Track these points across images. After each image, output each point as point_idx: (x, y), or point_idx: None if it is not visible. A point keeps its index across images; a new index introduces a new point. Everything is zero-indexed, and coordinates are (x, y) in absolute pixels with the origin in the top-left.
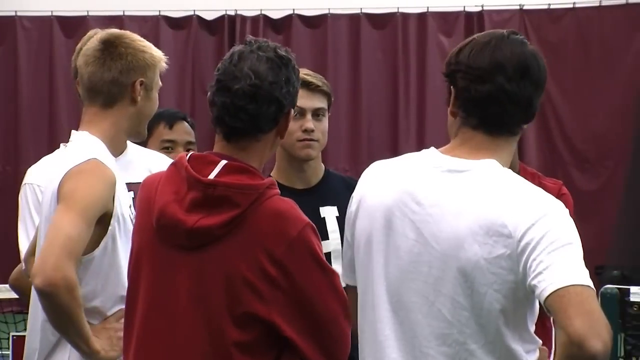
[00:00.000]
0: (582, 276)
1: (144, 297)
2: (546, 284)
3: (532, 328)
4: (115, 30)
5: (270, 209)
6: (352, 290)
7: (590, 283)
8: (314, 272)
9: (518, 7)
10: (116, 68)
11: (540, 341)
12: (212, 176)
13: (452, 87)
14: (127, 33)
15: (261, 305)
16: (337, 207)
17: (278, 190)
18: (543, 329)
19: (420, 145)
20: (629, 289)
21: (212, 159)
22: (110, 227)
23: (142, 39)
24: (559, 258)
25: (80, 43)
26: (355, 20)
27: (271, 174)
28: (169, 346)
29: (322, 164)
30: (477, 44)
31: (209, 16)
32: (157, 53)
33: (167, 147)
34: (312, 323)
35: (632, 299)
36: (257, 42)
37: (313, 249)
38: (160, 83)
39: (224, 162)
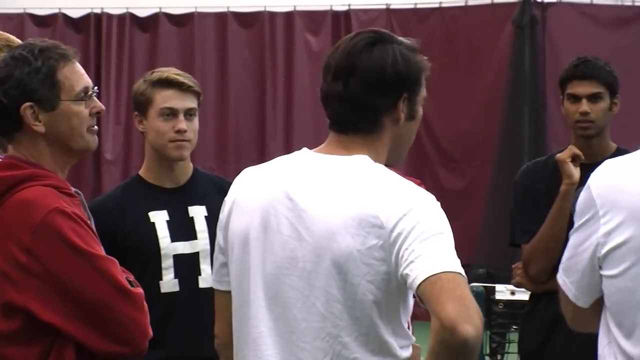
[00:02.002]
0: (453, 264)
1: None
2: (418, 272)
3: (406, 324)
4: None
5: (19, 199)
6: (221, 294)
7: (462, 270)
8: (67, 256)
9: (385, 7)
10: None
11: (414, 338)
12: None
13: None
14: None
15: (17, 294)
16: (206, 207)
17: (46, 181)
18: None
19: (287, 143)
20: (494, 287)
21: None
22: None
23: None
24: (430, 247)
25: None
26: (222, 18)
27: (139, 173)
28: None
29: (190, 163)
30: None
31: (75, 14)
32: None
33: None
34: (80, 307)
35: (498, 297)
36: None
37: (62, 233)
38: None
39: None
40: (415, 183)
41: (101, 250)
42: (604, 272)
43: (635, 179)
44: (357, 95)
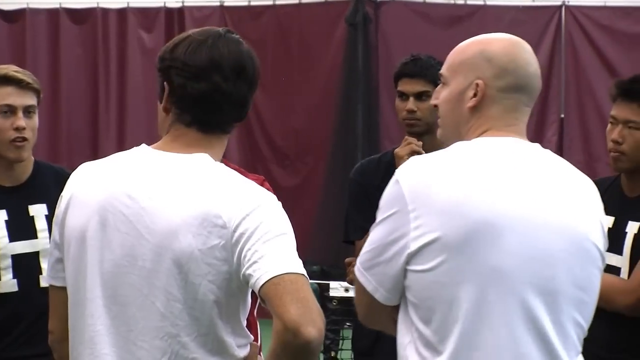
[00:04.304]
0: (296, 265)
1: None
2: (261, 272)
3: (245, 322)
4: None
5: None
6: (56, 290)
7: (304, 272)
8: None
9: (218, 4)
10: None
11: (252, 337)
12: None
13: (165, 82)
14: None
15: None
16: (47, 205)
17: None
18: (247, 324)
19: (121, 141)
20: (328, 284)
21: None
22: None
23: None
24: (273, 247)
25: None
26: (54, 14)
27: None
28: None
29: (32, 157)
30: (194, 41)
31: None
32: None
33: None
34: None
35: (332, 293)
36: None
37: None
38: None
39: None
40: (258, 181)
41: None
42: (413, 267)
43: (445, 176)
44: (243, 93)
